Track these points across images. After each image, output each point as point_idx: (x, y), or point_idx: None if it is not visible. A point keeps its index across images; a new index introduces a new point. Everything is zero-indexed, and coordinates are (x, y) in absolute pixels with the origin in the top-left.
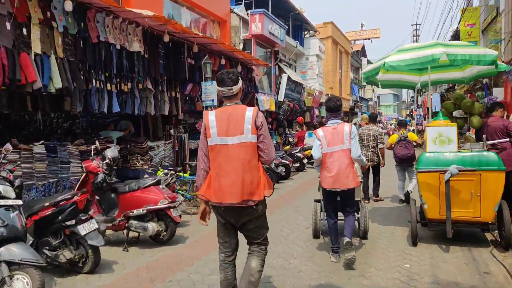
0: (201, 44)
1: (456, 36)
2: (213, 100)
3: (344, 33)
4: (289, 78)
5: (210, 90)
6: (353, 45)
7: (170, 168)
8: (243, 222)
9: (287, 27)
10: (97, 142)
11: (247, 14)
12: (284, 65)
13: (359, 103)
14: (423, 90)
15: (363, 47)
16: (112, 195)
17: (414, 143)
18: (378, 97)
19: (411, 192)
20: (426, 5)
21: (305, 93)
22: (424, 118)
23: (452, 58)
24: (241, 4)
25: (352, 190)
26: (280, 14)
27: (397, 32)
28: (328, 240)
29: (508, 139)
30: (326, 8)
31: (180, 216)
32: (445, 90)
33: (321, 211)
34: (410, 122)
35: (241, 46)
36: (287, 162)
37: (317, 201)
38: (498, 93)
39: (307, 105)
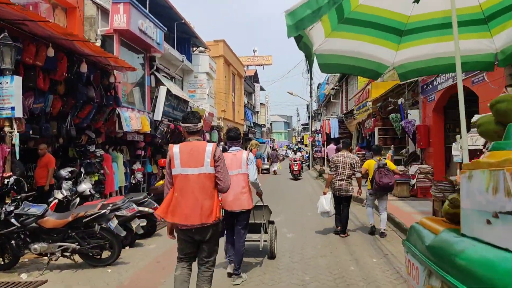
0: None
1: None
2: (13, 109)
3: (238, 57)
4: (168, 92)
5: (8, 91)
6: (246, 69)
7: None
8: (202, 240)
9: (166, 29)
10: None
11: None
12: (164, 76)
13: (253, 129)
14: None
15: (256, 73)
16: None
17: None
18: (271, 124)
19: (385, 230)
20: None
21: None
22: (323, 144)
23: None
24: None
25: (248, 211)
26: (164, 23)
27: (289, 60)
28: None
29: None
30: (217, 30)
31: None
32: (343, 115)
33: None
34: (302, 149)
35: (98, 44)
36: (151, 211)
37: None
38: (415, 116)
39: None
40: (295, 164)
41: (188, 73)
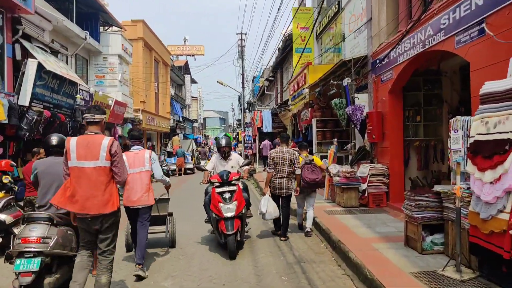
0: None
1: (288, 41)
2: None
3: (164, 44)
4: (42, 67)
5: None
6: (175, 60)
7: None
8: (100, 227)
9: None
10: None
11: None
12: (38, 46)
13: (182, 124)
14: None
15: (187, 63)
16: None
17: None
18: (204, 119)
19: (311, 230)
20: (251, 11)
21: (93, 101)
22: (254, 140)
23: None
24: None
25: (150, 206)
26: None
27: (222, 50)
28: None
29: None
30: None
31: None
32: (277, 106)
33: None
34: (237, 145)
35: None
36: None
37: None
38: (364, 101)
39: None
40: (229, 201)
41: (96, 55)
